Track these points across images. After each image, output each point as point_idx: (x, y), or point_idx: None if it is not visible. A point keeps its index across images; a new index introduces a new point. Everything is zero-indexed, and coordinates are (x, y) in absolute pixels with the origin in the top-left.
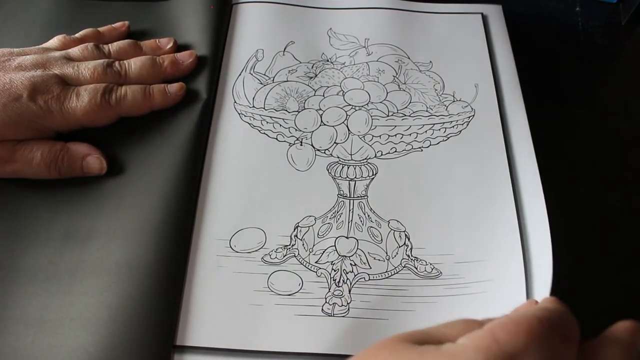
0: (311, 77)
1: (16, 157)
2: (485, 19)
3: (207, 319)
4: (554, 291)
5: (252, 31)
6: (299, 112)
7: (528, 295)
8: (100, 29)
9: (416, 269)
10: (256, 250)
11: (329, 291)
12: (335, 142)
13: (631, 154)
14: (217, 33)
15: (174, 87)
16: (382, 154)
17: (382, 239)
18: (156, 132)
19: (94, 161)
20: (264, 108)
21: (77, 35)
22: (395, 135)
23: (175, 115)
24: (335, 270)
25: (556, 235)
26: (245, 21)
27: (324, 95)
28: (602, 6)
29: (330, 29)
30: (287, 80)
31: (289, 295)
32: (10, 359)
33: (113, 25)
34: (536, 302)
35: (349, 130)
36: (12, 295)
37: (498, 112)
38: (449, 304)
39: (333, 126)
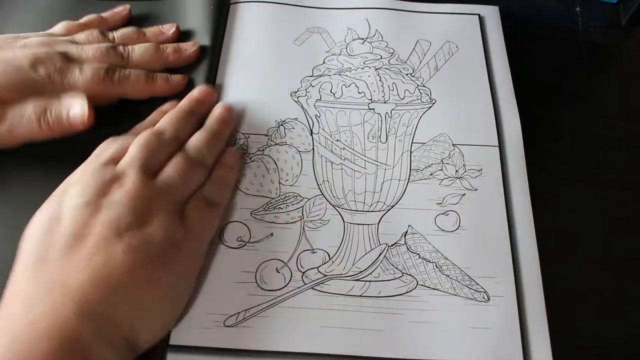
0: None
1: (7, 115)
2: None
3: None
4: (553, 293)
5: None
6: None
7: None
8: (103, 14)
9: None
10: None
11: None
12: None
13: (631, 154)
14: (216, 32)
15: (176, 77)
16: None
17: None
18: None
19: (76, 108)
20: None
21: (81, 20)
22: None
23: None
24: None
25: (553, 236)
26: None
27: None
28: (602, 6)
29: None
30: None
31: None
32: None
33: (115, 9)
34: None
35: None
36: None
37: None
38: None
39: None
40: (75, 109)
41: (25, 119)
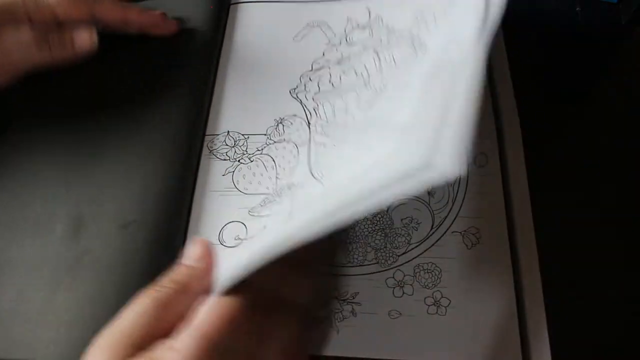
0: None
1: (2, 39)
2: None
3: None
4: (553, 293)
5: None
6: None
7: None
8: None
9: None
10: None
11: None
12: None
13: (631, 154)
14: (216, 33)
15: (156, 12)
16: None
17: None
18: (151, 125)
19: (84, 33)
20: None
21: None
22: None
23: (171, 113)
24: None
25: (553, 236)
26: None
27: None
28: (602, 6)
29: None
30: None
31: None
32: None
33: None
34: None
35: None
36: (3, 287)
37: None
38: None
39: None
40: (82, 34)
41: (23, 44)
